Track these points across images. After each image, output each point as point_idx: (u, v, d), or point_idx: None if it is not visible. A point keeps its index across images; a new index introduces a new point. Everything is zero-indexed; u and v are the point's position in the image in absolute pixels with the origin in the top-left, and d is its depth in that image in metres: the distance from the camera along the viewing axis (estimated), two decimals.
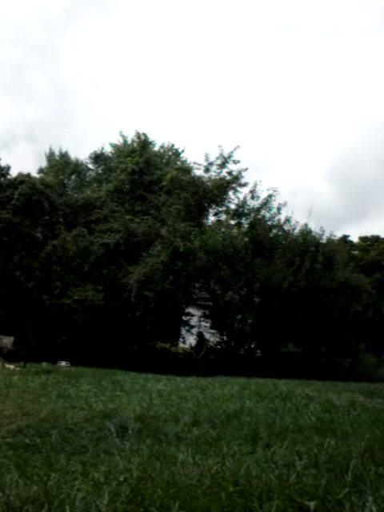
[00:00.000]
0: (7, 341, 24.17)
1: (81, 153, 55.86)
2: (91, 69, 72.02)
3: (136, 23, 74.40)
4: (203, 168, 29.96)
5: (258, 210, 29.31)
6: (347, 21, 68.82)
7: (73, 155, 38.50)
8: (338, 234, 37.95)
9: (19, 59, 65.04)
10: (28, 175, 30.82)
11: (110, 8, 72.23)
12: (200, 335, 30.73)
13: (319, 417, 7.99)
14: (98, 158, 38.03)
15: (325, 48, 73.54)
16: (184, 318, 31.46)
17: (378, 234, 40.32)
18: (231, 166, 29.91)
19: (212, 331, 30.40)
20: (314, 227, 29.14)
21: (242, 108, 73.34)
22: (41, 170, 38.46)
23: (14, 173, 30.88)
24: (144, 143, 34.73)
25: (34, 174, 34.80)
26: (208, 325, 30.60)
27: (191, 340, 31.29)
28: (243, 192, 29.92)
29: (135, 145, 34.75)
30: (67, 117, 65.67)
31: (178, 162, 36.19)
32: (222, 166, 29.92)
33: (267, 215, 29.29)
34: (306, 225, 28.84)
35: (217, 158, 29.80)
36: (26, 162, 67.16)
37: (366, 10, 71.87)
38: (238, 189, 30.12)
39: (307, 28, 73.13)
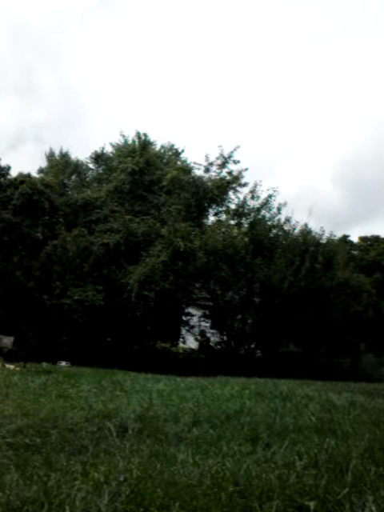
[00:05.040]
0: (7, 341, 24.16)
1: (86, 153, 56.00)
2: (94, 69, 72.27)
3: (137, 24, 74.47)
4: (203, 168, 29.97)
5: (258, 210, 29.29)
6: (355, 21, 68.90)
7: (77, 156, 38.60)
8: (341, 235, 38.07)
9: (25, 61, 65.36)
10: (28, 175, 30.83)
11: (110, 9, 72.33)
12: (202, 333, 30.73)
13: (319, 417, 7.98)
14: (98, 157, 38.03)
15: (333, 48, 73.62)
16: (184, 318, 31.44)
17: (381, 234, 40.39)
18: (231, 166, 29.92)
19: (212, 331, 30.38)
20: (314, 227, 29.17)
21: (248, 109, 73.56)
22: (41, 170, 38.48)
23: (14, 173, 30.96)
24: (144, 143, 34.74)
25: (35, 174, 34.85)
26: (208, 325, 30.58)
27: (191, 340, 31.29)
28: (243, 192, 29.95)
29: (136, 145, 34.76)
30: (73, 118, 65.97)
31: (178, 162, 36.18)
32: (222, 166, 29.89)
33: (267, 215, 29.28)
34: (306, 225, 28.85)
35: (217, 158, 29.79)
36: (33, 163, 67.48)
37: (373, 11, 71.84)
38: (238, 189, 30.10)
39: (314, 28, 73.18)
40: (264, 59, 74.04)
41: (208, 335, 30.42)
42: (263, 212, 29.28)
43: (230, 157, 29.67)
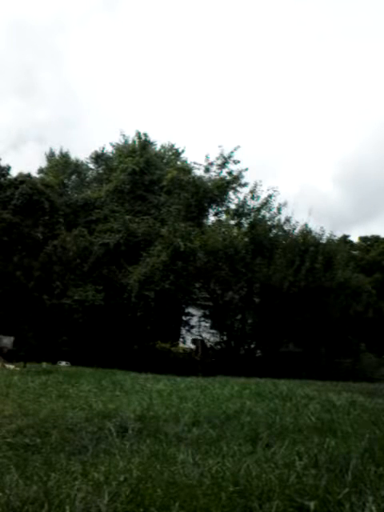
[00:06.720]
0: (7, 341, 24.17)
1: (86, 153, 55.87)
2: (95, 70, 72.41)
3: (138, 24, 74.51)
4: (203, 168, 29.98)
5: (258, 210, 29.26)
6: (355, 21, 68.90)
7: (77, 156, 38.66)
8: (341, 235, 38.06)
9: (26, 61, 65.45)
10: (28, 175, 30.84)
11: (111, 10, 72.36)
12: (198, 339, 30.68)
13: (319, 417, 7.98)
14: (98, 157, 38.05)
15: (333, 48, 73.66)
16: (184, 318, 31.43)
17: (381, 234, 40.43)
18: (231, 166, 29.92)
19: (212, 331, 30.35)
20: (314, 227, 29.13)
21: (248, 110, 73.67)
22: (41, 170, 38.51)
23: (15, 173, 30.97)
24: (144, 143, 34.76)
25: (35, 174, 34.87)
26: (208, 325, 30.56)
27: (191, 340, 31.29)
28: (243, 192, 29.95)
29: (136, 145, 34.77)
30: (73, 118, 66.13)
31: (178, 162, 36.20)
32: (222, 166, 29.90)
33: (267, 215, 29.25)
34: (306, 225, 28.82)
35: (217, 158, 29.79)
36: (33, 163, 67.49)
37: (373, 11, 71.81)
38: (238, 189, 30.11)
39: (314, 28, 73.19)
40: (264, 59, 74.13)
41: (206, 335, 30.39)
42: (263, 212, 29.26)
43: (230, 157, 29.68)
